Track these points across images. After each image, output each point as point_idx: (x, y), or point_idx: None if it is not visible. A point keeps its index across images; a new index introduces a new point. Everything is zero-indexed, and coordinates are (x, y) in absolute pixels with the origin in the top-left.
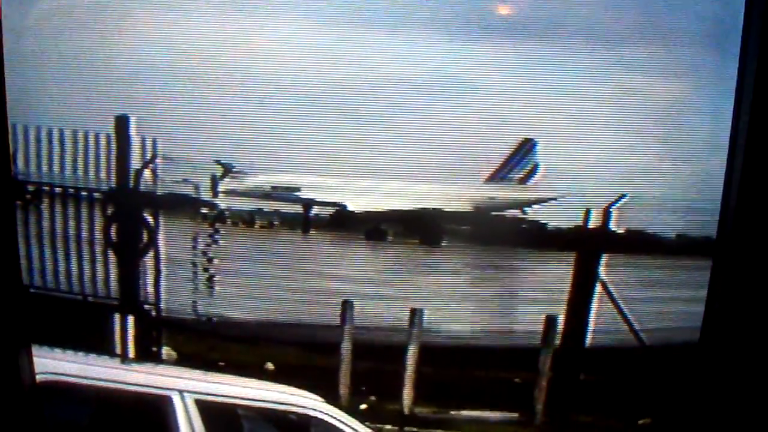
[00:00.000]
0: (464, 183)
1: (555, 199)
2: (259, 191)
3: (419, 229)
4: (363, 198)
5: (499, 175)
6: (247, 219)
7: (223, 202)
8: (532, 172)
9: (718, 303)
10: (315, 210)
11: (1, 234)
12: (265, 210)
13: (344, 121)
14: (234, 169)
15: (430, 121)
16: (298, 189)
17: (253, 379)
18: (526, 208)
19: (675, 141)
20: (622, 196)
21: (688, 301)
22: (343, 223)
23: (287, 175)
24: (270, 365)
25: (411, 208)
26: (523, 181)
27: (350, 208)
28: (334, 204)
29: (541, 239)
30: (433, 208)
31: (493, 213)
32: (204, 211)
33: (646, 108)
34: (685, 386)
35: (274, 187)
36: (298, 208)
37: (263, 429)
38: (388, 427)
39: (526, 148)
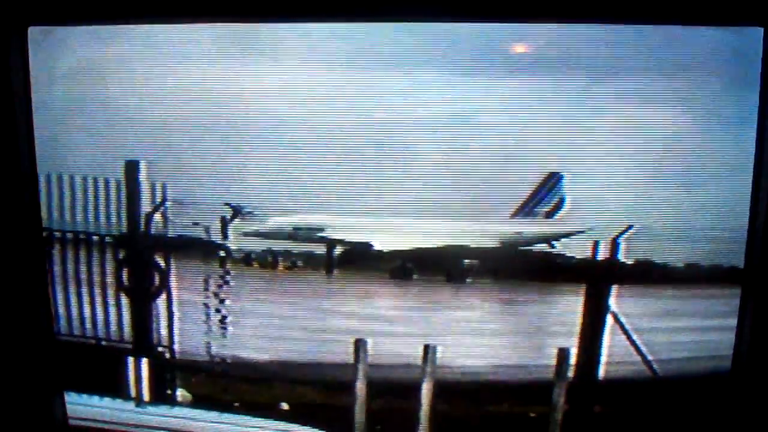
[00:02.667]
0: (491, 219)
1: (583, 231)
2: (282, 233)
3: (445, 266)
4: (388, 236)
5: (525, 210)
6: (269, 261)
7: (235, 244)
8: (559, 206)
9: (748, 332)
10: (338, 249)
11: (33, 282)
12: (274, 249)
13: (366, 159)
14: (244, 211)
15: (453, 158)
16: (321, 229)
17: (270, 420)
18: (554, 242)
19: (686, 170)
20: (630, 227)
21: (700, 330)
22: (368, 262)
23: (308, 215)
24: (285, 405)
25: (438, 246)
26: (550, 215)
27: (376, 247)
28: (359, 243)
29: (557, 272)
30: (461, 245)
31: (520, 248)
32: (220, 253)
33: (659, 138)
34: (701, 416)
35: (296, 228)
36: (320, 249)
37: None
38: None
39: (552, 181)
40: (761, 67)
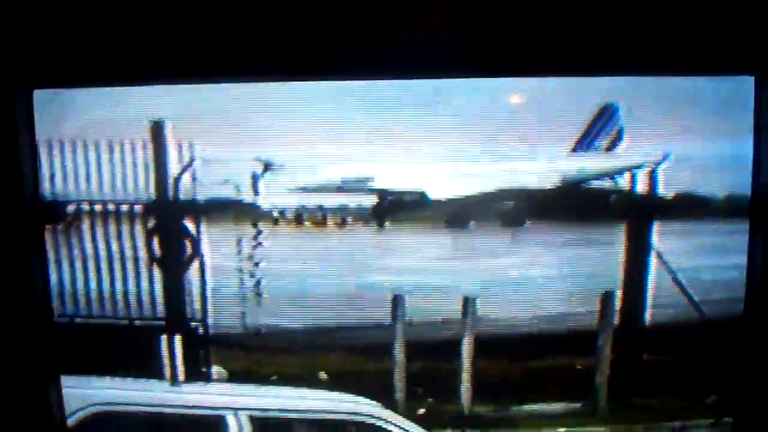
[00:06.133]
0: (549, 157)
1: (648, 164)
2: (330, 186)
3: (501, 211)
4: (443, 183)
5: (583, 145)
6: (320, 218)
7: (268, 202)
8: (618, 139)
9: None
10: (389, 201)
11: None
12: (306, 207)
13: (414, 103)
14: (275, 165)
15: (504, 98)
16: (371, 179)
17: (308, 390)
18: (616, 177)
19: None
20: (667, 155)
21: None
22: (422, 212)
23: (356, 165)
24: (323, 374)
25: (495, 189)
26: (610, 148)
27: (431, 195)
28: (413, 192)
29: (610, 209)
30: (519, 188)
31: (581, 186)
32: (274, 214)
33: None
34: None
35: (344, 180)
36: (369, 201)
37: None
38: (449, 431)
39: (607, 113)
40: (753, 116)
